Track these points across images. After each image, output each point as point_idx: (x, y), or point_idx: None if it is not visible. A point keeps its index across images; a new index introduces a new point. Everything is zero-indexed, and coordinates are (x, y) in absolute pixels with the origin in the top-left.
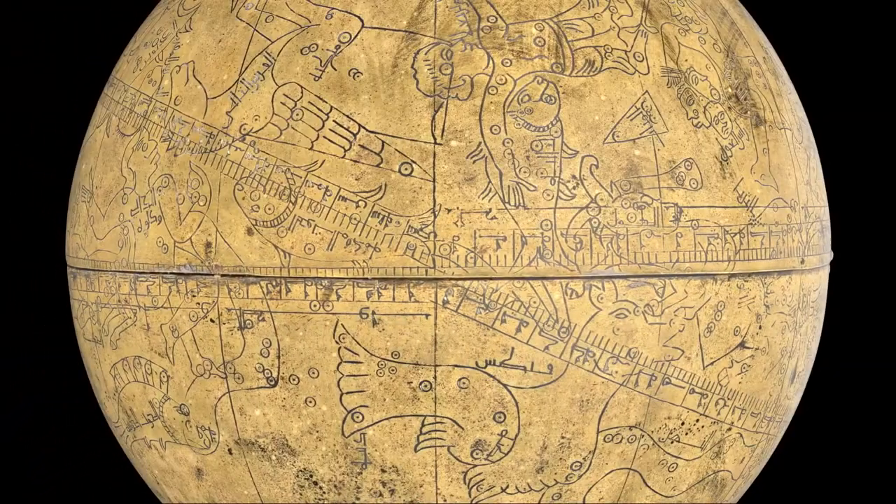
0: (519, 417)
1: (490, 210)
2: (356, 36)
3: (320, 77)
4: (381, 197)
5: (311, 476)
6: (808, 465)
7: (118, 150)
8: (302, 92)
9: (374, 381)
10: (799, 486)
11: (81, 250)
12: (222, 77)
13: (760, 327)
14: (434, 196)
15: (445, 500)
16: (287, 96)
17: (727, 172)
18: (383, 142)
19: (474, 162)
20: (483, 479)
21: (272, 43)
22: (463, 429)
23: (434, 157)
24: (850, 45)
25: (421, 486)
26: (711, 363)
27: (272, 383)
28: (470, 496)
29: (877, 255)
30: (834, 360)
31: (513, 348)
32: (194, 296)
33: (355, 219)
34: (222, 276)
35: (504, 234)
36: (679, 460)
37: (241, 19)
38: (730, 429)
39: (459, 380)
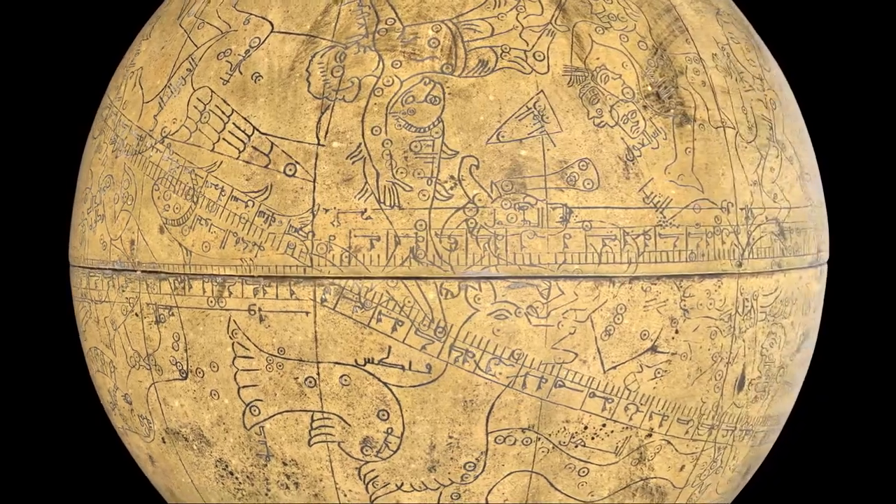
0: (402, 416)
1: (365, 210)
2: (264, 40)
3: (228, 81)
4: (267, 197)
5: (227, 466)
6: (806, 465)
7: (88, 152)
8: (211, 96)
9: (265, 375)
10: (798, 486)
11: (70, 248)
12: (157, 82)
13: (677, 331)
14: (314, 196)
15: (346, 496)
16: (199, 100)
17: (632, 173)
18: (272, 143)
19: (353, 163)
20: (377, 476)
21: (196, 49)
22: (350, 425)
23: (316, 159)
24: (850, 45)
25: (321, 481)
26: (614, 367)
27: (183, 376)
28: (367, 492)
29: (876, 254)
30: (833, 360)
31: (390, 347)
32: (123, 291)
33: (244, 218)
34: (142, 272)
35: (378, 233)
36: (590, 465)
37: (181, 26)
38: (649, 435)
39: (341, 377)
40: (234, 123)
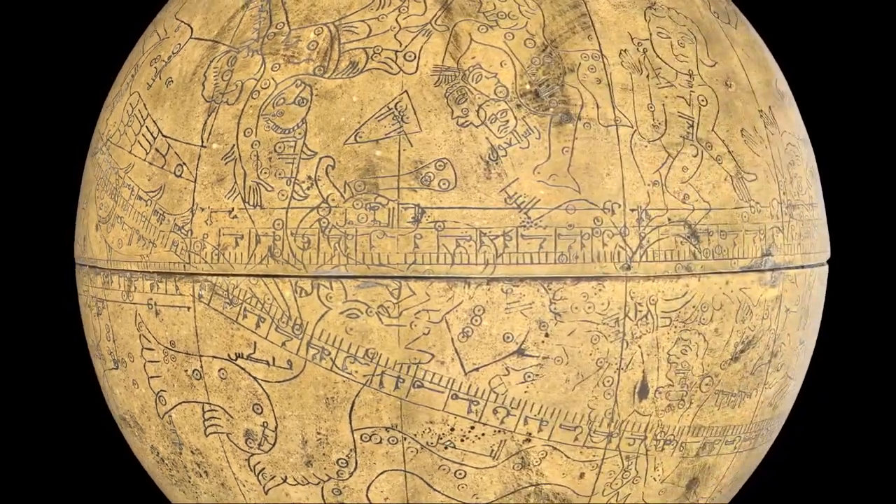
0: (274, 411)
1: (232, 209)
2: (182, 47)
3: (151, 86)
4: (161, 196)
5: (158, 453)
6: (806, 465)
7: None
8: (138, 100)
9: (164, 367)
10: (797, 487)
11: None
12: (116, 87)
13: (547, 335)
14: (194, 196)
15: (244, 486)
16: (130, 105)
17: (495, 173)
18: (169, 145)
19: (226, 163)
20: (264, 469)
21: (143, 55)
22: (232, 417)
23: (198, 160)
24: (850, 46)
25: (222, 471)
26: (476, 369)
27: (115, 366)
28: (260, 483)
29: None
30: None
31: (255, 343)
32: (83, 284)
33: (144, 217)
34: (89, 267)
35: (242, 232)
36: (466, 468)
37: (146, 36)
38: (528, 440)
39: (219, 370)
40: (146, 126)
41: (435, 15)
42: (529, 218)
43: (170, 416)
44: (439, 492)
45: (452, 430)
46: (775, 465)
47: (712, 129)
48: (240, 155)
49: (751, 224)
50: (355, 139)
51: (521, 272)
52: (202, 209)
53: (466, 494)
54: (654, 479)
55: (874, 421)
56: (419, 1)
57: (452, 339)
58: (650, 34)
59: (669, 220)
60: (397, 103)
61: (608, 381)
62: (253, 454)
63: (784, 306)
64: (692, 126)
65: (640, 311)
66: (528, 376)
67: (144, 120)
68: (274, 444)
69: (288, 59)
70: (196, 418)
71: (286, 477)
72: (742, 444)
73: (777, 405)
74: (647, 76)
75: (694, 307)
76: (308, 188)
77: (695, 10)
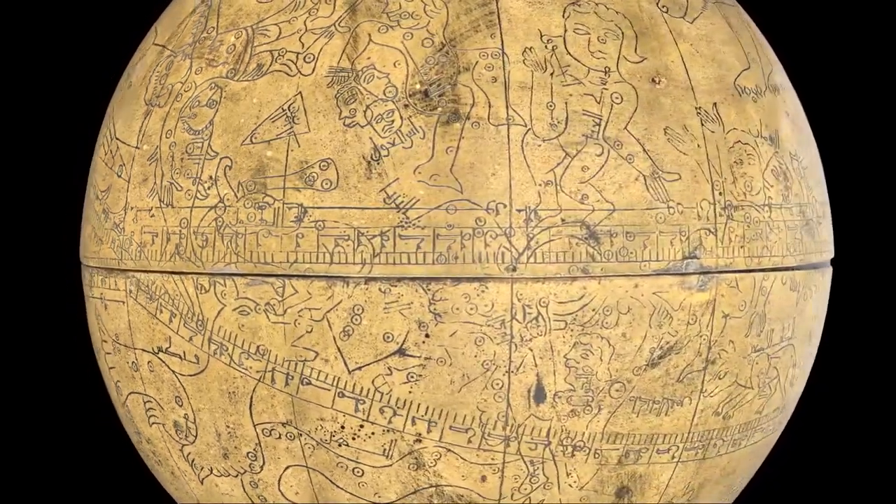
0: (191, 403)
1: (151, 208)
2: (146, 52)
3: (120, 90)
4: (108, 196)
5: (140, 436)
6: (809, 466)
7: None
8: (112, 105)
9: (114, 358)
10: (799, 487)
11: None
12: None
13: (427, 336)
14: (127, 195)
15: (185, 475)
16: (109, 108)
17: (376, 172)
18: (118, 146)
19: (150, 164)
20: (195, 459)
21: (136, 63)
22: (163, 409)
23: (133, 160)
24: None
25: (168, 459)
26: (359, 368)
27: (98, 355)
28: (195, 472)
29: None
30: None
31: (170, 337)
32: (83, 282)
33: (98, 215)
34: (84, 264)
35: (157, 230)
36: (363, 466)
37: (144, 39)
38: (419, 440)
39: (148, 363)
40: (108, 129)
41: (340, 17)
42: (408, 218)
43: (126, 406)
44: (342, 489)
45: (343, 427)
46: (780, 467)
47: (625, 128)
48: (160, 156)
49: (668, 225)
50: (251, 140)
51: (399, 272)
52: (131, 208)
53: (368, 493)
54: (571, 485)
55: (879, 423)
56: (329, 3)
57: (334, 338)
58: (565, 31)
59: (563, 220)
60: (291, 104)
61: (497, 384)
62: (184, 445)
63: (721, 312)
64: (599, 125)
65: (530, 314)
66: (411, 376)
67: (109, 123)
68: (196, 436)
69: (209, 62)
70: (141, 409)
71: (212, 468)
72: (685, 453)
73: (730, 415)
74: (552, 74)
75: (594, 310)
76: (209, 188)
77: (632, 5)
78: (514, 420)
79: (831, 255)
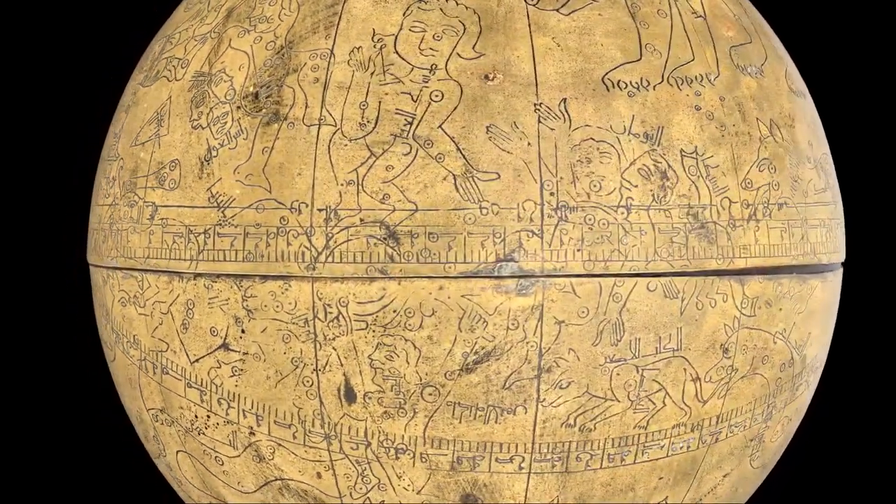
0: (118, 389)
1: (97, 206)
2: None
3: None
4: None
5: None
6: (817, 468)
7: None
8: None
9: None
10: (808, 488)
11: None
12: None
13: (243, 331)
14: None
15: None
16: None
17: (206, 173)
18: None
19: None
20: (147, 439)
21: None
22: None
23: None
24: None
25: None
26: (197, 360)
27: None
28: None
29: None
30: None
31: (98, 325)
32: None
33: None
34: None
35: (93, 226)
36: (223, 457)
37: None
38: (252, 433)
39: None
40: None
41: (217, 22)
42: (225, 216)
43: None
44: (215, 476)
45: (196, 417)
46: (783, 467)
47: (440, 126)
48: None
49: (479, 227)
50: (135, 142)
51: (217, 269)
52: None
53: (233, 482)
54: (406, 489)
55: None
56: (216, 11)
57: (177, 330)
58: (400, 29)
59: (362, 220)
60: (162, 108)
61: (308, 381)
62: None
63: (552, 318)
64: (410, 123)
65: (331, 313)
66: (235, 370)
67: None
68: (134, 424)
69: (141, 69)
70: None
71: (151, 449)
72: (536, 465)
73: (591, 427)
74: (373, 73)
75: (395, 312)
76: (110, 188)
77: (490, 1)
78: (329, 418)
79: (809, 259)
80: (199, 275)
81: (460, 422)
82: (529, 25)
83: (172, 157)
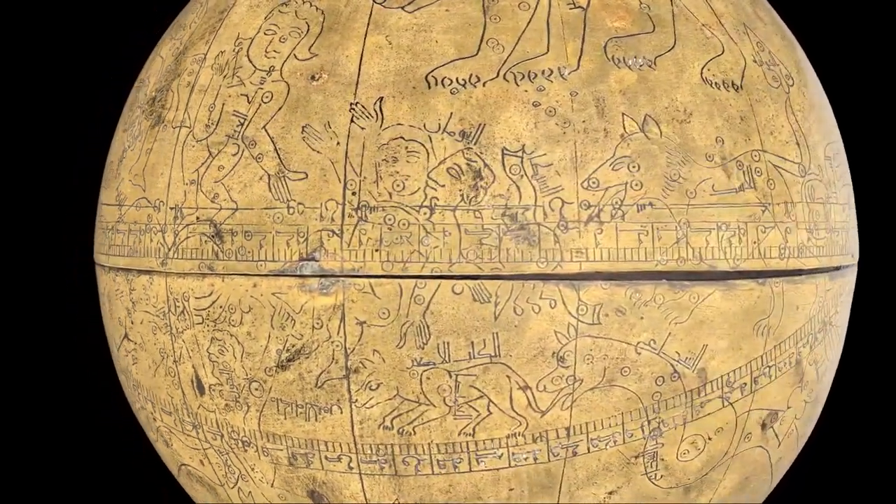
0: None
1: None
2: None
3: None
4: None
5: None
6: (829, 471)
7: None
8: None
9: None
10: (820, 490)
11: None
12: None
13: (132, 322)
14: None
15: None
16: None
17: (116, 173)
18: None
19: None
20: None
21: None
22: None
23: None
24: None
25: None
26: (117, 347)
27: None
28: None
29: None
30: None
31: None
32: None
33: None
34: None
35: None
36: (152, 442)
37: None
38: (154, 419)
39: None
40: None
41: (167, 37)
42: (121, 214)
43: None
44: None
45: (133, 404)
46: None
47: (264, 127)
48: None
49: (285, 226)
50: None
51: (118, 263)
52: None
53: (173, 463)
54: (262, 481)
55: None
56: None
57: (119, 318)
58: (257, 32)
59: (198, 218)
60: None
61: (172, 372)
62: None
63: (354, 318)
64: (242, 124)
65: (178, 307)
66: (133, 359)
67: None
68: None
69: None
70: None
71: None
72: (364, 466)
73: (411, 431)
74: (225, 76)
75: (221, 307)
76: None
77: (339, 2)
78: (191, 408)
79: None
80: (111, 268)
81: (286, 418)
82: (368, 25)
83: (110, 159)
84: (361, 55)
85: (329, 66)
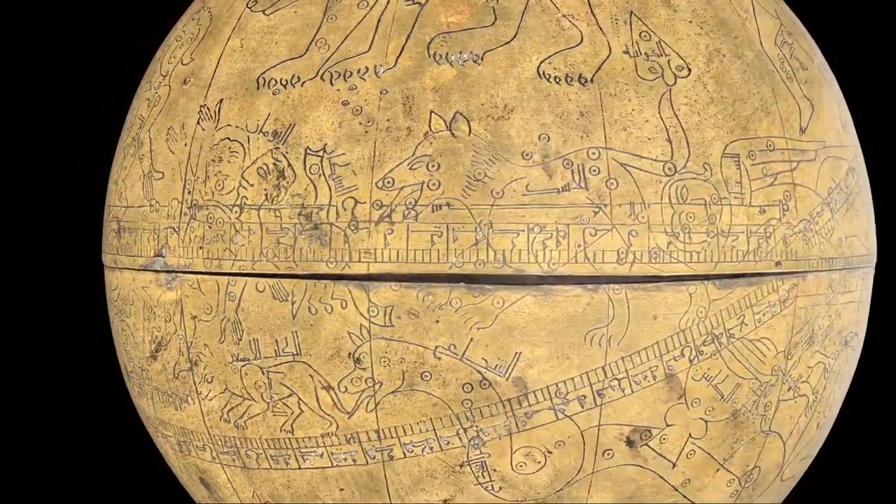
0: None
1: None
2: None
3: None
4: None
5: None
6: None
7: None
8: None
9: None
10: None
11: None
12: None
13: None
14: None
15: None
16: None
17: None
18: None
19: None
20: None
21: None
22: None
23: None
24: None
25: None
26: None
27: None
28: None
29: None
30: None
31: None
32: None
33: None
34: None
35: None
36: None
37: None
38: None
39: None
40: None
41: None
42: None
43: None
44: None
45: None
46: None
47: (147, 129)
48: None
49: (148, 223)
50: None
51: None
52: None
53: None
54: (175, 466)
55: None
56: None
57: None
58: (173, 39)
59: (111, 216)
60: None
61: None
62: None
63: (189, 312)
64: (140, 127)
65: (111, 299)
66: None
67: None
68: None
69: None
70: None
71: None
72: (223, 457)
73: (243, 426)
74: (145, 82)
75: (122, 300)
76: None
77: (224, 4)
78: (129, 393)
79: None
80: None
81: (165, 406)
82: (234, 28)
83: None
84: (220, 59)
85: (197, 70)
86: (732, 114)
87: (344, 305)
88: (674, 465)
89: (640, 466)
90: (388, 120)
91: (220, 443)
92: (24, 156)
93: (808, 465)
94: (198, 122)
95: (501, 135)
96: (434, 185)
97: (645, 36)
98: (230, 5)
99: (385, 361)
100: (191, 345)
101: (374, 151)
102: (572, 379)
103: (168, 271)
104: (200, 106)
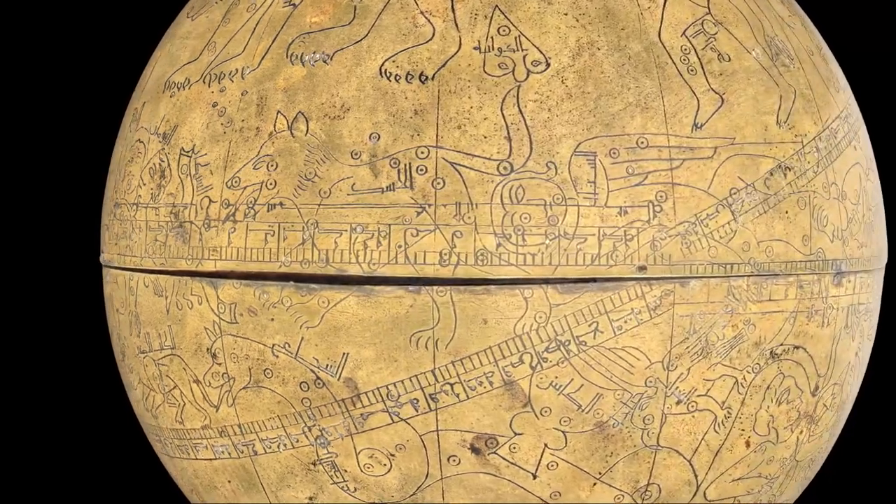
0: None
1: None
2: None
3: None
4: None
5: None
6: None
7: None
8: None
9: None
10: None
11: None
12: None
13: None
14: None
15: None
16: None
17: None
18: None
19: None
20: None
21: None
22: None
23: None
24: None
25: None
26: None
27: None
28: None
29: None
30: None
31: None
32: None
33: None
34: None
35: None
36: None
37: None
38: None
39: None
40: None
41: None
42: None
43: None
44: None
45: None
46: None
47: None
48: None
49: (107, 220)
50: None
51: None
52: None
53: None
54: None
55: None
56: None
57: None
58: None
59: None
60: None
61: None
62: None
63: (115, 307)
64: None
65: None
66: None
67: None
68: None
69: None
70: None
71: None
72: (158, 446)
73: (156, 415)
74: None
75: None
76: None
77: None
78: None
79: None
80: None
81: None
82: (169, 34)
83: None
84: (155, 64)
85: (147, 75)
86: (594, 110)
87: (200, 302)
88: (534, 476)
89: (493, 475)
90: (242, 121)
91: (151, 433)
92: (24, 156)
93: (781, 483)
94: (129, 125)
95: (334, 134)
96: (271, 184)
97: (504, 31)
98: (184, 11)
99: (234, 357)
100: (120, 337)
101: (228, 151)
102: (402, 382)
103: (107, 266)
104: (134, 109)
